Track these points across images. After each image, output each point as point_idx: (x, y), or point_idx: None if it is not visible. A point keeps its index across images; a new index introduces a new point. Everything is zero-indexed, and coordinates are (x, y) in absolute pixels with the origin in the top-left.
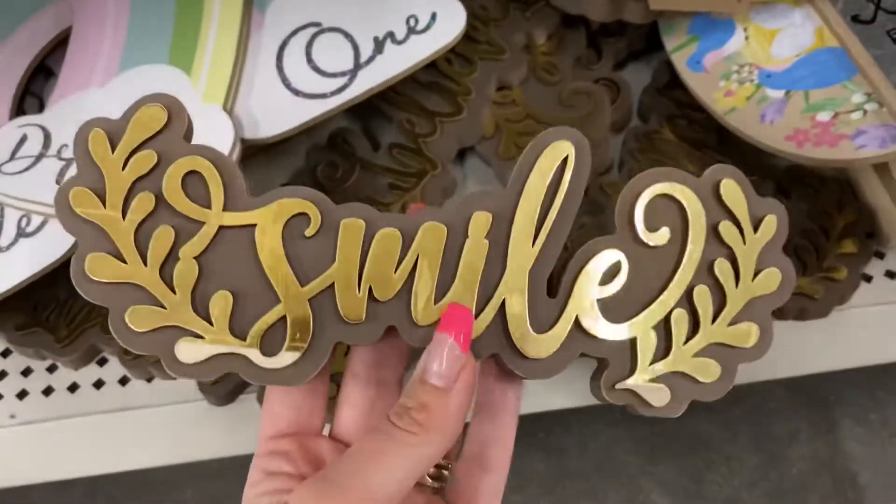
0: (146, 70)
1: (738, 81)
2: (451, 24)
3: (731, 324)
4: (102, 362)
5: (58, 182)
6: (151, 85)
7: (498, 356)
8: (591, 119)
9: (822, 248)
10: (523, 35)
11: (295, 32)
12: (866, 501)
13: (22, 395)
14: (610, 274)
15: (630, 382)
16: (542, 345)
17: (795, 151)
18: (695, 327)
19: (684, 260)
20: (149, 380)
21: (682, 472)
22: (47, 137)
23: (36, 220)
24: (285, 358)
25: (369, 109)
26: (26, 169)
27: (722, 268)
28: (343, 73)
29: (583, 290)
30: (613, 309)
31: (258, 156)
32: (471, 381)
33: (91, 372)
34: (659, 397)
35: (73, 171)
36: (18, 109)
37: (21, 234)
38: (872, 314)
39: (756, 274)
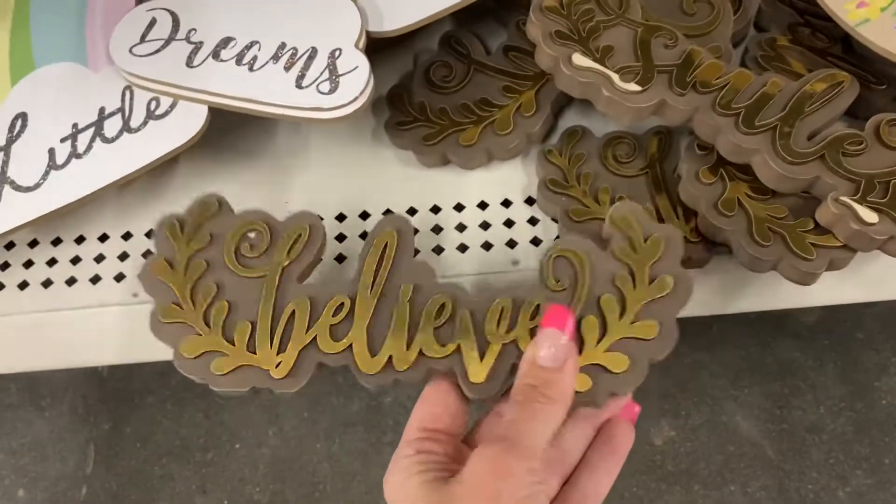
0: None
1: None
2: None
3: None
4: None
5: (188, 64)
6: None
7: None
8: (713, 27)
9: None
10: None
11: None
12: None
13: None
14: None
15: None
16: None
17: None
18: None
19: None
20: None
21: (767, 396)
22: (176, 21)
23: (165, 103)
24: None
25: (480, 12)
26: (156, 51)
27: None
28: None
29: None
30: None
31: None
32: (575, 364)
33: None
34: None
35: (202, 51)
36: None
37: (150, 116)
38: None
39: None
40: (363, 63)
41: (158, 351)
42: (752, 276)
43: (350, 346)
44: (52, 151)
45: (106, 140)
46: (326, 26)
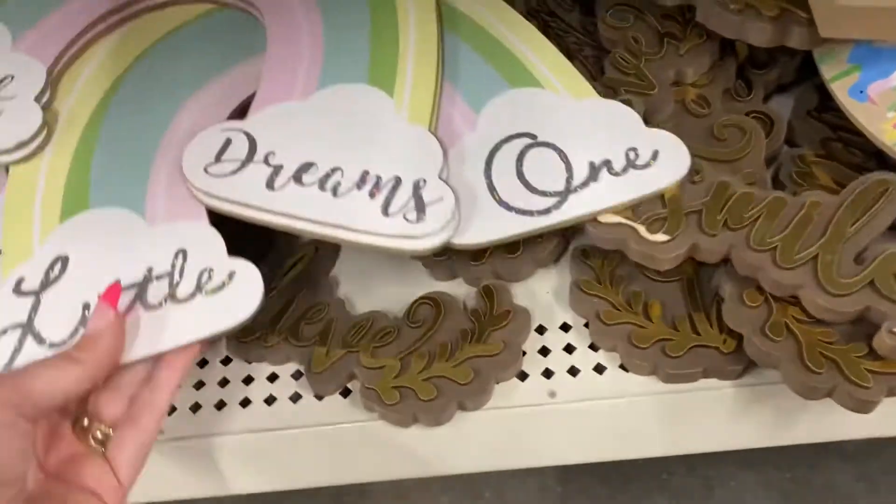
0: (348, 88)
1: None
2: (674, 166)
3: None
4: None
5: (268, 186)
6: (355, 102)
7: None
8: (746, 153)
9: None
10: (674, 72)
11: (508, 140)
12: None
13: (245, 403)
14: None
15: None
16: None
17: None
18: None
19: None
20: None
21: None
22: (252, 143)
23: (218, 278)
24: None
25: None
26: (233, 172)
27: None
28: (553, 194)
29: None
30: None
31: None
32: (114, 331)
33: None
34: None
35: (283, 174)
36: None
37: (199, 288)
38: None
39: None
40: (448, 194)
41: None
42: (804, 403)
43: None
44: (86, 307)
45: (147, 306)
46: (409, 157)
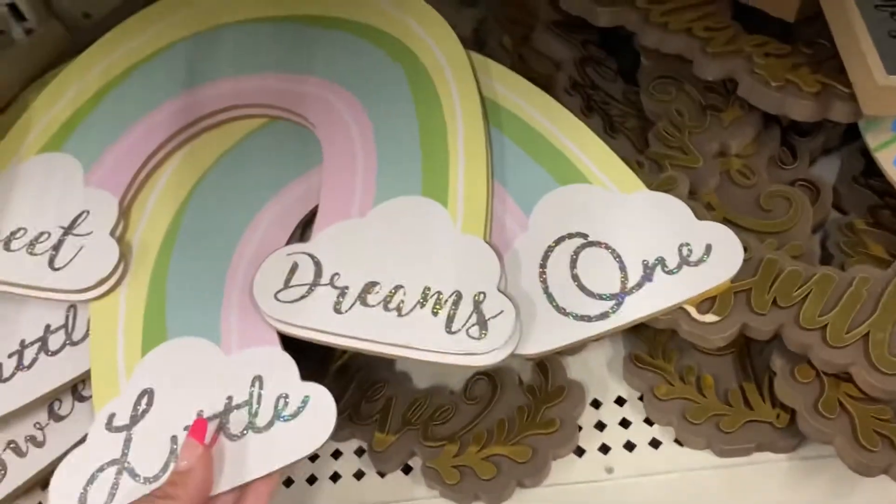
0: (404, 201)
1: None
2: (728, 262)
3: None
4: None
5: (335, 310)
6: (412, 215)
7: None
8: (793, 224)
9: None
10: (718, 143)
11: (560, 241)
12: None
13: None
14: None
15: None
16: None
17: None
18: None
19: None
20: None
21: None
22: (318, 265)
23: (294, 404)
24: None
25: None
26: (302, 297)
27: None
28: (609, 297)
29: None
30: None
31: None
32: (205, 466)
33: None
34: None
35: (349, 296)
36: None
37: (277, 416)
38: None
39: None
40: (508, 307)
41: None
42: (859, 477)
43: None
44: (173, 440)
45: (229, 436)
46: (467, 269)
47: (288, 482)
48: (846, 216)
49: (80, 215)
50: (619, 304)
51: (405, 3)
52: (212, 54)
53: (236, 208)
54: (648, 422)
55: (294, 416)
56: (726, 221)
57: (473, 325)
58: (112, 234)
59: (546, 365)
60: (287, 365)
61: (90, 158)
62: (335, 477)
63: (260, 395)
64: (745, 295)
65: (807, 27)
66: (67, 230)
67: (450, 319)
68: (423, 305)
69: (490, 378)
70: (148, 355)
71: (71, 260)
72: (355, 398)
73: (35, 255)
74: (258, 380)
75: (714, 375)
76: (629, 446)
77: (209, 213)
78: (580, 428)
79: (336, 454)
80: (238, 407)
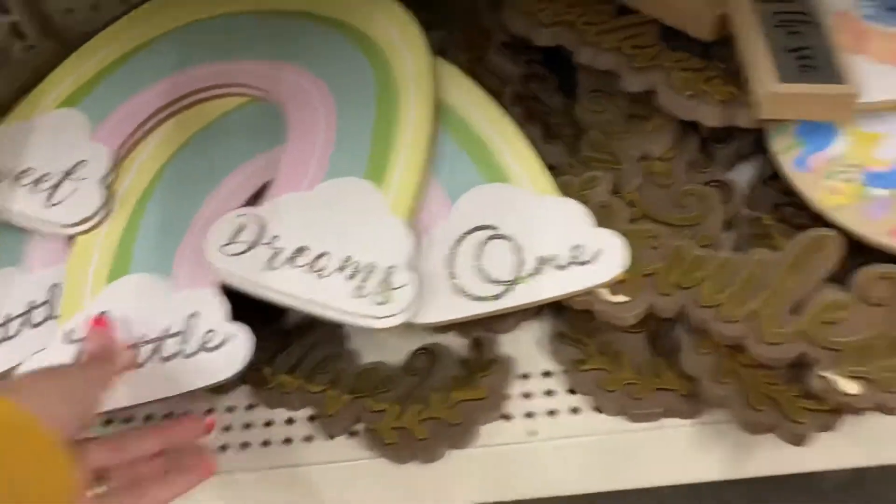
0: (345, 181)
1: (843, 181)
2: (610, 267)
3: None
4: None
5: (268, 266)
6: (350, 194)
7: None
8: (704, 217)
9: None
10: (641, 149)
11: (473, 231)
12: None
13: (265, 444)
14: None
15: None
16: None
17: None
18: None
19: None
20: None
21: None
22: (262, 228)
23: (217, 338)
24: None
25: None
26: (242, 252)
27: None
28: (502, 283)
29: None
30: None
31: None
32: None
33: None
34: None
35: (281, 256)
36: None
37: (203, 347)
38: None
39: None
40: (413, 281)
41: None
42: (755, 439)
43: None
44: None
45: (162, 358)
46: (386, 246)
47: (244, 444)
48: (755, 213)
49: (79, 163)
50: (508, 290)
51: (389, 11)
52: (203, 41)
53: (208, 171)
54: (572, 392)
55: (216, 347)
56: (646, 217)
57: (379, 293)
58: (103, 181)
59: (481, 341)
60: (220, 306)
61: (98, 118)
62: (287, 440)
63: (193, 327)
64: (653, 279)
65: (724, 47)
66: (67, 174)
67: (361, 286)
68: (341, 271)
69: (429, 352)
70: (112, 284)
71: (65, 199)
72: (309, 369)
73: (37, 192)
74: (194, 315)
75: (629, 351)
76: (552, 413)
77: (185, 173)
78: (508, 396)
79: (290, 420)
80: (173, 335)
